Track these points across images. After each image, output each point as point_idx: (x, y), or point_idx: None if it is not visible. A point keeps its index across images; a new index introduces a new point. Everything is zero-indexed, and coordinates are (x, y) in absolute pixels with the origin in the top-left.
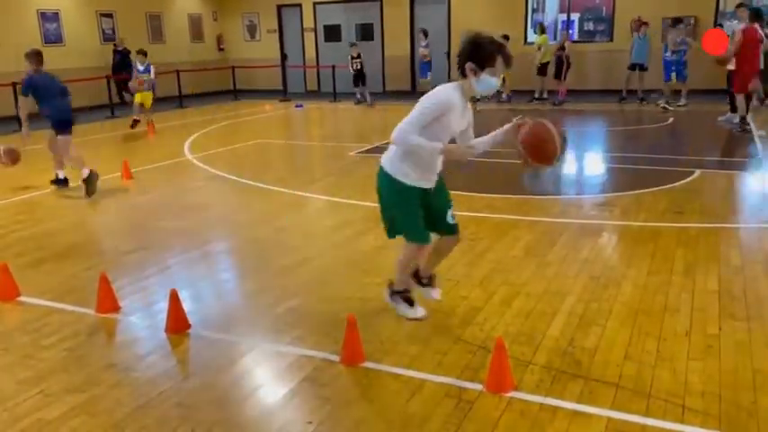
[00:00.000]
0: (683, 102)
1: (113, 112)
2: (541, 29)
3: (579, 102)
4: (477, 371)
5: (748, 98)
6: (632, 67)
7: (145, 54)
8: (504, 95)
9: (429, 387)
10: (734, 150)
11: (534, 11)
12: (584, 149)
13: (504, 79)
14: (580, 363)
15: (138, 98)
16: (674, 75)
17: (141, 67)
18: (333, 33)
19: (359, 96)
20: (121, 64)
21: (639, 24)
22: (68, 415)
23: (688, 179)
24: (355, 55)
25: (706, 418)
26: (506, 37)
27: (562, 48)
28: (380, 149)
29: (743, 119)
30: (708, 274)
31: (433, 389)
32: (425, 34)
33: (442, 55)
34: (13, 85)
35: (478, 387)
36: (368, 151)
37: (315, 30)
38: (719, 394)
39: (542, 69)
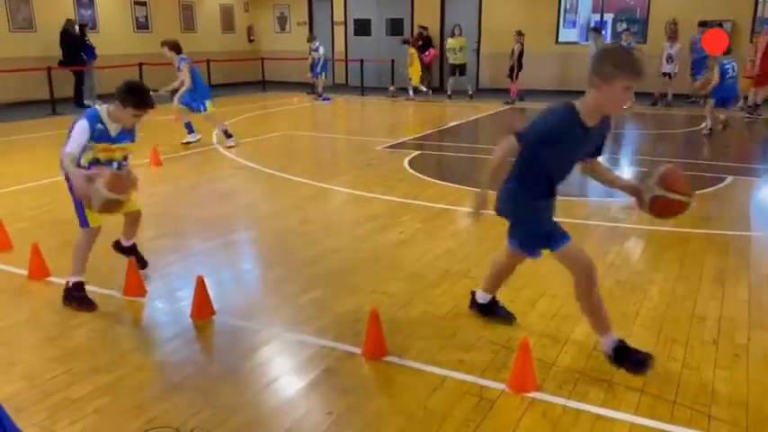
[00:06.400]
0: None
1: None
2: (460, 31)
3: None
4: (500, 370)
5: None
6: None
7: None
8: (425, 89)
9: (450, 384)
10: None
11: (567, 10)
12: (615, 152)
13: (422, 77)
14: (604, 366)
15: None
16: None
17: None
18: (363, 27)
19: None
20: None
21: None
22: (94, 395)
23: (720, 185)
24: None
25: (733, 428)
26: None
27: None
28: (408, 145)
29: None
30: (738, 282)
31: (454, 386)
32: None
33: (470, 52)
34: (48, 69)
35: (500, 386)
36: (395, 146)
37: (345, 23)
38: (747, 404)
39: (460, 70)
